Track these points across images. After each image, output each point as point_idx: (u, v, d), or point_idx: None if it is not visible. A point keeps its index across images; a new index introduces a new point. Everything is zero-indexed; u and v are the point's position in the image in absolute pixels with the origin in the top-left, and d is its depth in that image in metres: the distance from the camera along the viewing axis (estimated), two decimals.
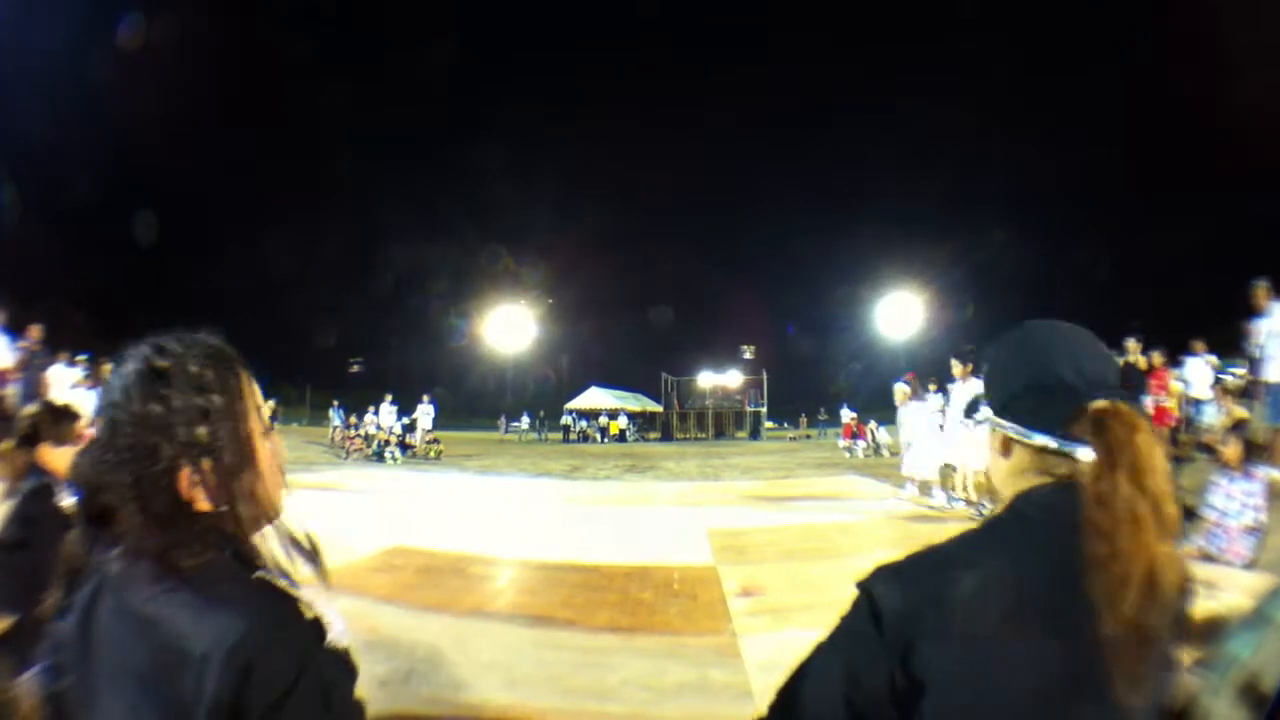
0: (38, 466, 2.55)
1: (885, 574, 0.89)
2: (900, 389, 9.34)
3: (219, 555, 0.84)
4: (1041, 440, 0.94)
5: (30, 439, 2.60)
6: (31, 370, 9.89)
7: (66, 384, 10.66)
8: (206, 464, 0.85)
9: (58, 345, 11.10)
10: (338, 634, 0.89)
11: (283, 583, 0.87)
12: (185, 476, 0.84)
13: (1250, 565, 4.72)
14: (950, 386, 8.72)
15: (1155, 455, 0.84)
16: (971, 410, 1.10)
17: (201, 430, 0.85)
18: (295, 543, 0.95)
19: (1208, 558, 4.83)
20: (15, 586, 2.05)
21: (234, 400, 0.89)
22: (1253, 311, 8.31)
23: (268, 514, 0.92)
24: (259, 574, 0.86)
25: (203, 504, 0.85)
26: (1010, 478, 0.99)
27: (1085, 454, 0.88)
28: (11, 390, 9.58)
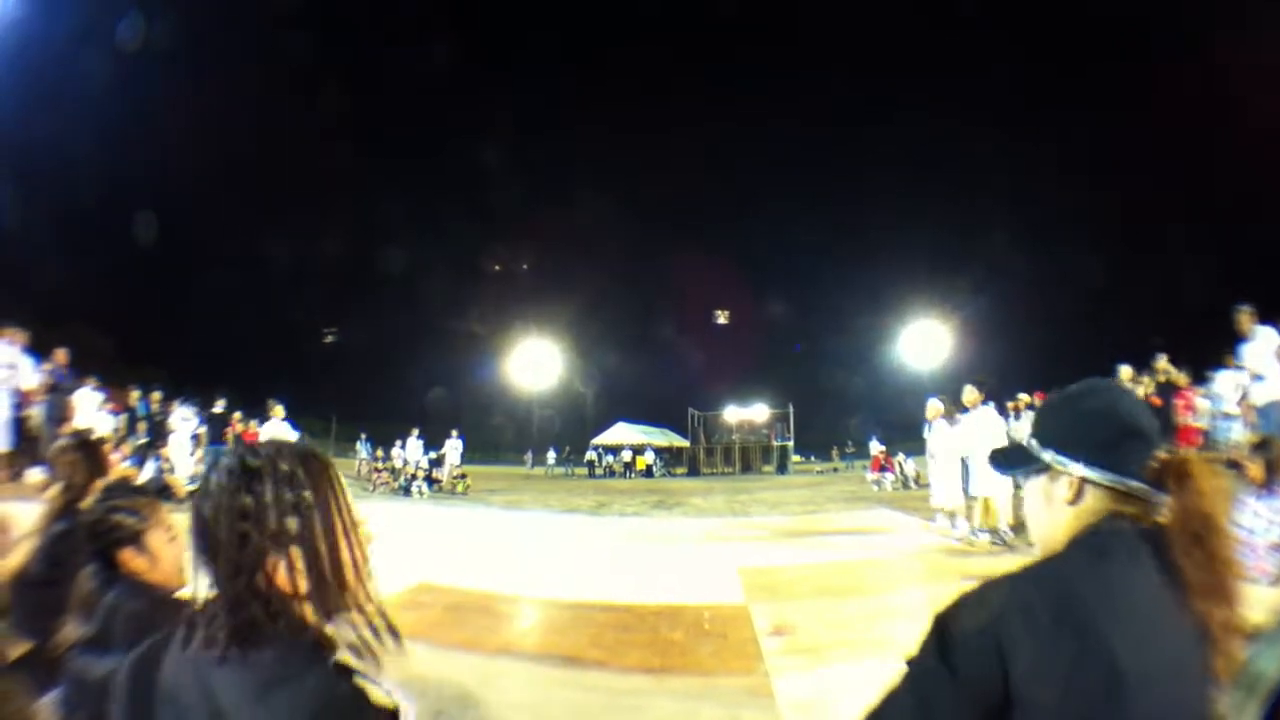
0: (72, 509, 2.60)
1: (966, 602, 0.95)
2: (933, 404, 9.22)
3: (296, 640, 0.87)
4: (1135, 486, 1.01)
5: (70, 485, 2.65)
6: (57, 394, 10.07)
7: (91, 408, 10.85)
8: (295, 553, 0.90)
9: (83, 369, 11.32)
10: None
11: (359, 668, 0.91)
12: (273, 564, 0.89)
13: (1277, 582, 4.57)
14: (962, 416, 8.60)
15: (1228, 499, 0.97)
16: (1016, 461, 1.14)
17: (291, 522, 0.90)
18: (376, 630, 0.98)
19: None
20: (39, 618, 2.11)
21: (323, 496, 0.94)
22: (1238, 337, 8.24)
23: (352, 602, 0.96)
24: (336, 660, 0.89)
25: (288, 590, 0.90)
26: (1071, 521, 1.05)
27: (1163, 498, 0.99)
28: (36, 412, 9.75)
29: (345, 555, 0.95)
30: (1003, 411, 9.58)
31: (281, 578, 0.89)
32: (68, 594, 1.93)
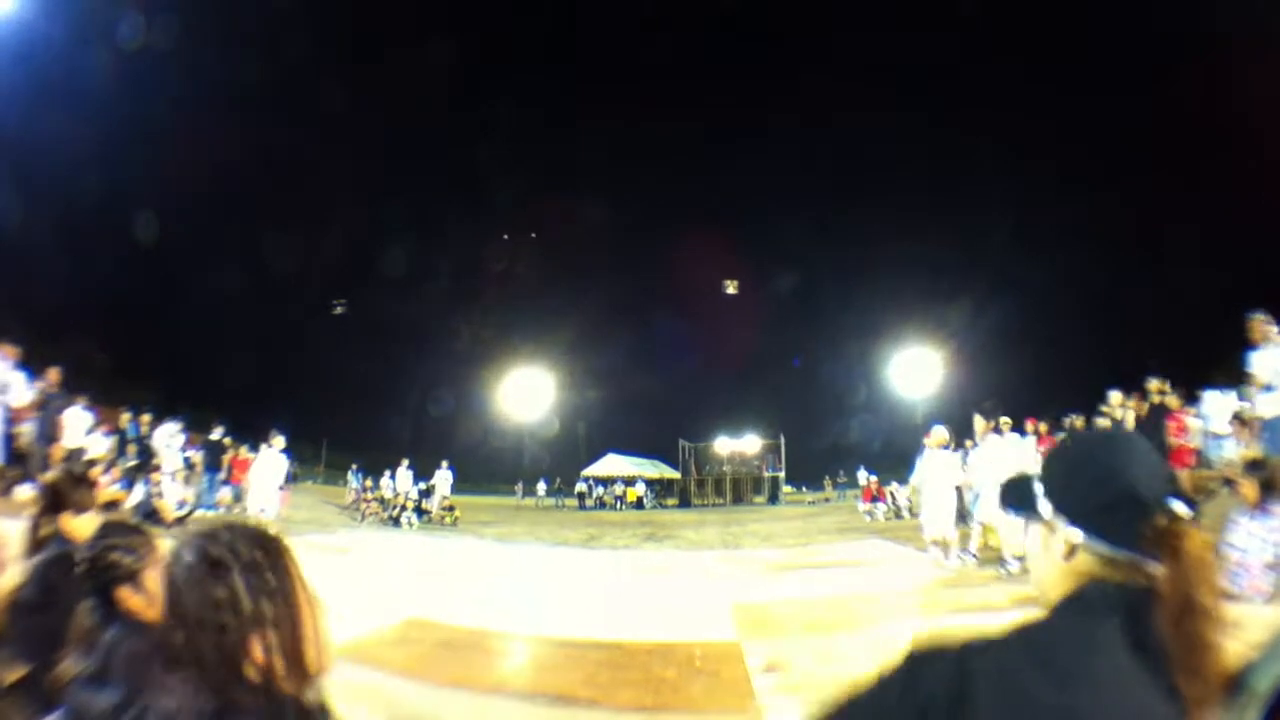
0: (60, 535, 2.61)
1: (941, 655, 0.93)
2: (939, 432, 9.06)
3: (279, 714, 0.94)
4: (1123, 555, 1.00)
5: (54, 508, 2.67)
6: (48, 412, 9.93)
7: (81, 428, 10.70)
8: (270, 635, 0.96)
9: (77, 385, 11.14)
10: None
11: None
12: (252, 647, 0.95)
13: (1271, 601, 4.58)
14: (969, 444, 8.59)
15: (1216, 566, 0.97)
16: (1022, 502, 1.12)
17: (264, 605, 0.97)
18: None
19: (1229, 596, 4.68)
20: (32, 643, 2.14)
21: (284, 578, 1.02)
22: (1249, 345, 7.98)
23: (320, 672, 1.03)
24: None
25: (266, 669, 0.96)
26: (1063, 579, 1.05)
27: (1155, 567, 0.97)
28: (27, 429, 9.62)
29: (311, 630, 1.02)
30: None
31: (259, 657, 0.95)
32: (61, 620, 1.94)
